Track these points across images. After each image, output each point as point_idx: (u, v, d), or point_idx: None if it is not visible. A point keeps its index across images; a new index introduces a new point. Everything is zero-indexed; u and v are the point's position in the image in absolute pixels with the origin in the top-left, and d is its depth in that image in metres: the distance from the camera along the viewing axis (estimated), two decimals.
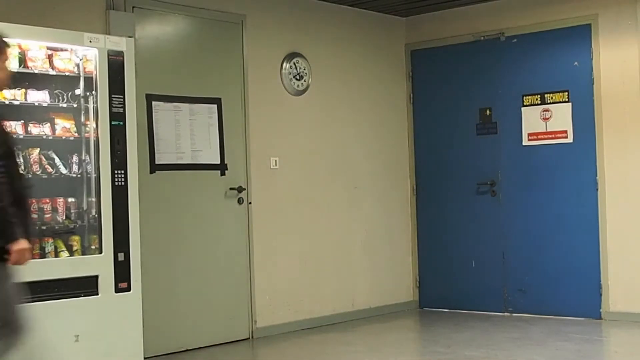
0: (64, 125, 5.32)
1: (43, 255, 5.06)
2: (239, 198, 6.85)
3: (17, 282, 3.95)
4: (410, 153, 8.39)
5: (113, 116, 5.37)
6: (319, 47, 7.62)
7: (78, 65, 5.36)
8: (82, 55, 5.36)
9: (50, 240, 5.12)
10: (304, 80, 7.46)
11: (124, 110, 5.42)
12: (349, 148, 7.85)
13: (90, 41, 5.29)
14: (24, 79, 5.24)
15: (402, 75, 8.39)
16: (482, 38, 7.91)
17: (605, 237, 7.25)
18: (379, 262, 8.04)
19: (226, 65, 6.87)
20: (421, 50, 8.34)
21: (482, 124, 7.95)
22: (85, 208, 5.39)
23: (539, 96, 7.61)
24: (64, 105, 5.33)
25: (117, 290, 5.29)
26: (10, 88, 5.06)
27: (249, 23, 7.01)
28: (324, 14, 7.67)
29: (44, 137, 5.24)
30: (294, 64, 7.38)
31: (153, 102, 6.33)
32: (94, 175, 5.36)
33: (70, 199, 5.35)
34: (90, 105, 5.37)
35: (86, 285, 5.15)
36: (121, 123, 5.40)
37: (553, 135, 7.54)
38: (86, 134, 5.40)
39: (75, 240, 5.26)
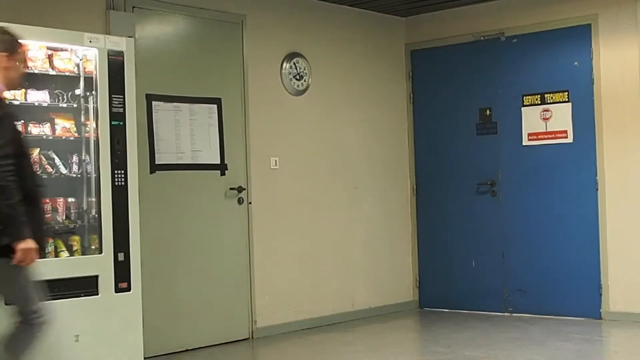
0: (64, 125, 5.32)
1: (43, 255, 5.04)
2: (239, 198, 6.85)
3: (35, 278, 4.02)
4: (410, 153, 8.39)
5: (113, 116, 5.37)
6: (319, 47, 7.62)
7: (78, 65, 5.36)
8: (82, 55, 5.35)
9: (50, 240, 5.12)
10: (304, 80, 7.46)
11: (124, 110, 5.42)
12: (349, 148, 7.85)
13: (90, 41, 5.28)
14: (24, 79, 5.20)
15: (402, 75, 8.39)
16: (482, 38, 7.91)
17: (605, 237, 7.26)
18: (379, 262, 8.04)
19: (226, 65, 6.87)
20: (421, 50, 8.34)
21: (482, 124, 7.95)
22: (85, 208, 5.39)
23: (539, 96, 7.61)
24: (64, 105, 5.33)
25: (117, 290, 5.29)
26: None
27: (249, 23, 7.01)
28: (324, 14, 7.67)
29: (44, 137, 5.24)
30: (294, 64, 7.38)
31: (153, 102, 6.34)
32: (94, 175, 5.35)
33: (70, 199, 5.34)
34: (90, 105, 5.37)
35: (86, 285, 5.14)
36: (121, 123, 5.40)
37: (553, 135, 7.54)
38: (86, 134, 5.40)
39: (75, 240, 5.26)
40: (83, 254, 5.27)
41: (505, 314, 7.78)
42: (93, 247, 5.32)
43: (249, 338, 6.89)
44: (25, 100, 5.19)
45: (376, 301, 7.98)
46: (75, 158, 5.35)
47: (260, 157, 7.05)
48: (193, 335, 6.48)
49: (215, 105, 6.73)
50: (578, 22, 7.40)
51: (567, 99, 7.47)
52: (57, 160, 5.30)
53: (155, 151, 6.33)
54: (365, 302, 7.88)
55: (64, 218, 5.28)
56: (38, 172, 5.13)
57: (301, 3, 7.49)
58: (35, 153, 5.19)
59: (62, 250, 5.16)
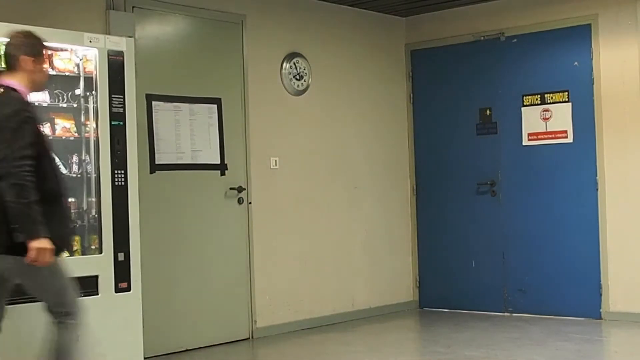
0: (64, 125, 5.32)
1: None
2: (239, 198, 6.85)
3: (67, 277, 4.09)
4: (410, 153, 8.39)
5: (113, 116, 5.37)
6: (319, 47, 7.62)
7: (78, 65, 5.36)
8: (82, 55, 5.35)
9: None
10: (304, 80, 7.46)
11: (124, 110, 5.42)
12: (349, 148, 7.85)
13: (90, 41, 5.28)
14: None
15: (402, 75, 8.39)
16: (482, 38, 7.91)
17: (605, 237, 7.26)
18: (379, 262, 8.04)
19: (226, 65, 6.87)
20: (421, 50, 8.34)
21: (482, 124, 7.95)
22: (85, 208, 5.39)
23: (539, 96, 7.61)
24: (64, 105, 5.33)
25: (117, 290, 5.29)
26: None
27: (249, 23, 7.01)
28: (324, 14, 7.67)
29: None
30: (294, 64, 7.38)
31: (153, 102, 6.34)
32: (94, 175, 5.35)
33: (70, 199, 5.34)
34: (90, 105, 5.37)
35: (86, 285, 5.13)
36: (121, 123, 5.40)
37: (553, 135, 7.54)
38: (86, 134, 5.40)
39: (75, 240, 5.25)
40: (83, 254, 5.27)
41: (505, 314, 7.78)
42: (93, 247, 5.32)
43: (249, 338, 6.89)
44: None
45: (376, 301, 7.98)
46: (75, 158, 5.35)
47: (260, 157, 7.05)
48: (193, 335, 6.48)
49: (215, 105, 6.73)
50: (578, 22, 7.40)
51: (567, 99, 7.47)
52: (57, 160, 5.29)
53: (155, 151, 6.33)
54: (365, 302, 7.88)
55: None
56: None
57: (301, 3, 7.49)
58: None
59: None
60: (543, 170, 7.60)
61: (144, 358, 5.48)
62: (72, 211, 5.24)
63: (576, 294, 7.40)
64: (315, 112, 7.57)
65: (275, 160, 7.19)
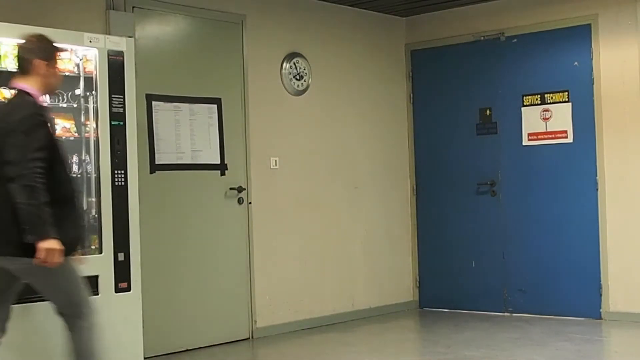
0: (64, 125, 5.31)
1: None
2: (239, 198, 6.85)
3: (80, 280, 4.13)
4: (410, 153, 8.39)
5: (113, 116, 5.36)
6: (319, 47, 7.62)
7: (78, 65, 5.35)
8: (82, 55, 5.35)
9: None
10: (304, 80, 7.46)
11: (124, 110, 5.42)
12: (349, 148, 7.85)
13: (90, 41, 5.28)
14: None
15: (402, 75, 8.39)
16: (482, 38, 7.91)
17: (605, 237, 7.26)
18: (379, 262, 8.04)
19: (226, 65, 6.87)
20: (421, 50, 8.34)
21: (482, 124, 7.95)
22: (85, 208, 5.38)
23: (539, 96, 7.61)
24: (64, 105, 5.33)
25: (117, 290, 5.29)
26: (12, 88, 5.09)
27: (249, 23, 7.01)
28: (324, 14, 7.67)
29: None
30: (294, 64, 7.38)
31: (153, 102, 6.34)
32: (94, 175, 5.35)
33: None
34: (90, 105, 5.37)
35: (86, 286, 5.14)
36: (121, 123, 5.40)
37: (553, 135, 7.54)
38: (86, 134, 5.40)
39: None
40: (83, 254, 5.26)
41: (505, 314, 7.78)
42: (93, 247, 5.31)
43: (249, 338, 6.89)
44: None
45: (376, 301, 7.98)
46: (75, 158, 5.35)
47: (260, 157, 7.05)
48: (193, 335, 6.48)
49: (215, 105, 6.73)
50: (578, 22, 7.40)
51: (567, 99, 7.47)
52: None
53: (155, 151, 6.33)
54: (365, 302, 7.88)
55: None
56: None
57: (301, 3, 7.49)
58: None
59: None
60: (543, 170, 7.60)
61: (144, 358, 5.47)
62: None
63: (576, 294, 7.40)
64: (315, 112, 7.57)
65: (275, 160, 7.19)
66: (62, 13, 5.79)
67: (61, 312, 4.11)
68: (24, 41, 4.28)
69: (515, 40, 7.75)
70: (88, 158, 5.38)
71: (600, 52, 7.28)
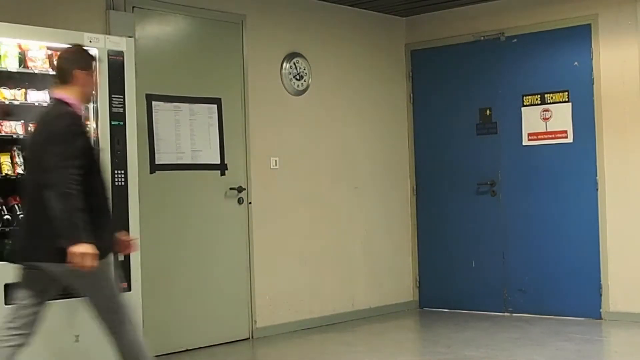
0: None
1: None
2: (239, 198, 6.85)
3: (116, 284, 4.20)
4: (410, 153, 8.39)
5: (113, 116, 5.37)
6: (319, 47, 7.62)
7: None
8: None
9: None
10: (304, 80, 7.46)
11: (124, 110, 5.42)
12: (349, 148, 7.85)
13: (90, 41, 5.28)
14: (24, 79, 5.24)
15: (402, 75, 8.39)
16: (482, 38, 7.91)
17: (605, 237, 7.25)
18: (379, 262, 8.04)
19: (226, 65, 6.87)
20: (421, 50, 8.34)
21: (482, 124, 7.95)
22: None
23: (539, 96, 7.61)
24: None
25: None
26: (12, 88, 5.13)
27: (249, 23, 7.01)
28: (324, 14, 7.67)
29: None
30: (294, 64, 7.38)
31: (153, 102, 6.34)
32: None
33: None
34: (91, 105, 5.37)
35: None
36: (121, 123, 5.40)
37: (553, 135, 7.54)
38: None
39: None
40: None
41: (505, 314, 7.78)
42: None
43: (249, 338, 6.89)
44: (25, 100, 5.20)
45: (376, 301, 7.98)
46: None
47: (260, 157, 7.05)
48: (193, 335, 6.48)
49: (215, 105, 6.73)
50: (578, 22, 7.40)
51: (567, 99, 7.47)
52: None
53: (155, 151, 6.33)
54: (365, 302, 7.88)
55: None
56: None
57: (301, 3, 7.49)
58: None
59: None
60: (543, 170, 7.59)
61: None
62: None
63: (576, 294, 7.40)
64: (315, 112, 7.57)
65: (275, 160, 7.19)
66: (62, 13, 5.79)
67: (102, 318, 4.17)
68: (62, 51, 4.36)
69: (515, 40, 7.75)
70: None
71: (600, 52, 7.28)
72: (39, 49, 5.22)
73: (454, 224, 8.11)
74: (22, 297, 4.13)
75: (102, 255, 4.00)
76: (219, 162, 6.72)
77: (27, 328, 4.10)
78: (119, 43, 5.43)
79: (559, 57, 7.52)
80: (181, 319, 6.41)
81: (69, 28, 5.46)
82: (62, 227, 3.90)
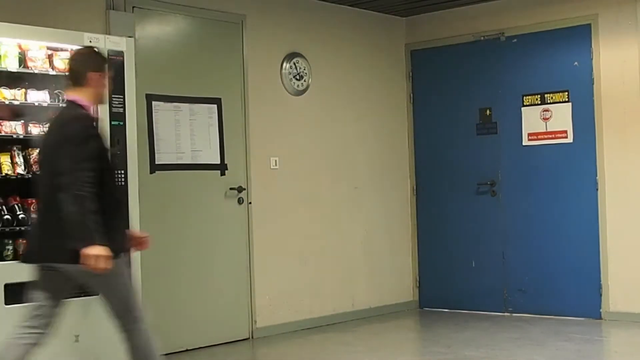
0: None
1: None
2: (239, 198, 6.85)
3: (132, 285, 4.25)
4: (410, 153, 8.39)
5: (113, 116, 5.37)
6: (319, 47, 7.62)
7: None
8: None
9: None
10: (304, 80, 7.46)
11: (124, 110, 5.42)
12: (349, 148, 7.85)
13: (90, 41, 5.28)
14: (24, 79, 5.24)
15: (402, 75, 8.39)
16: (482, 38, 7.91)
17: (605, 237, 7.25)
18: (379, 262, 8.04)
19: (226, 65, 6.87)
20: (421, 50, 8.34)
21: (482, 124, 7.95)
22: None
23: (539, 96, 7.61)
24: (64, 105, 5.32)
25: None
26: (12, 88, 5.13)
27: (249, 23, 7.01)
28: (324, 14, 7.67)
29: None
30: (294, 64, 7.38)
31: (153, 102, 6.34)
32: None
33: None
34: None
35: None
36: (121, 123, 5.40)
37: (553, 135, 7.54)
38: None
39: None
40: None
41: (505, 314, 7.78)
42: None
43: (249, 338, 6.89)
44: (25, 100, 5.20)
45: (376, 301, 7.98)
46: None
47: (260, 157, 7.05)
48: (193, 335, 6.48)
49: (215, 105, 6.73)
50: (578, 22, 7.40)
51: (567, 99, 7.47)
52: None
53: (155, 151, 6.33)
54: (365, 302, 7.88)
55: None
56: (37, 172, 5.14)
57: (301, 3, 7.49)
58: (35, 153, 5.19)
59: None
60: (543, 170, 7.59)
61: None
62: None
63: (576, 294, 7.40)
64: (315, 112, 7.57)
65: (275, 160, 7.19)
66: (62, 13, 5.79)
67: (118, 316, 4.20)
68: (75, 53, 4.37)
69: (515, 40, 7.75)
70: None
71: (600, 52, 7.28)
72: (39, 49, 5.22)
73: (454, 224, 8.11)
74: (39, 297, 4.16)
75: (115, 255, 4.03)
76: (219, 162, 6.72)
77: (43, 327, 4.13)
78: (119, 43, 5.43)
79: (559, 57, 7.52)
80: (181, 319, 6.41)
81: (69, 28, 5.46)
82: (76, 229, 3.93)
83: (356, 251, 7.85)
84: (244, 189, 6.87)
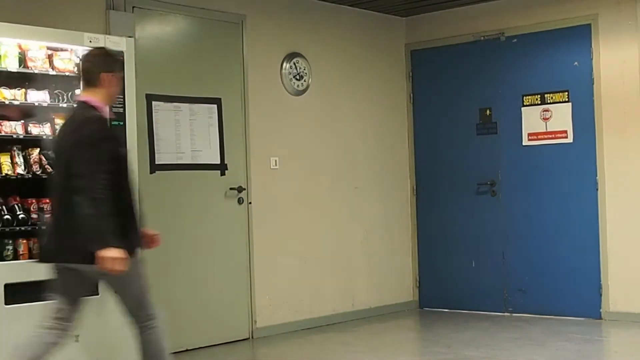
0: None
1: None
2: (239, 198, 6.85)
3: (145, 283, 4.28)
4: (410, 153, 8.39)
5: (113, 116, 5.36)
6: (319, 47, 7.62)
7: (78, 65, 5.35)
8: (82, 55, 5.34)
9: None
10: (304, 80, 7.46)
11: (124, 110, 5.42)
12: (349, 148, 7.85)
13: (90, 41, 5.28)
14: (24, 79, 5.24)
15: (402, 75, 8.39)
16: (482, 38, 7.91)
17: (605, 237, 7.26)
18: (379, 262, 8.04)
19: (226, 65, 6.87)
20: (421, 50, 8.34)
21: (482, 124, 7.95)
22: None
23: (539, 96, 7.61)
24: (64, 105, 5.33)
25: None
26: (12, 88, 5.13)
27: (249, 23, 7.01)
28: (324, 14, 7.67)
29: (44, 137, 5.23)
30: (294, 64, 7.38)
31: (153, 102, 6.34)
32: None
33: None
34: None
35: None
36: (121, 123, 5.40)
37: (553, 135, 7.54)
38: None
39: None
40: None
41: (505, 314, 7.78)
42: None
43: (249, 338, 6.89)
44: (25, 100, 5.20)
45: (376, 301, 7.98)
46: None
47: (260, 157, 7.05)
48: (193, 335, 6.48)
49: (215, 105, 6.73)
50: (578, 22, 7.40)
51: (567, 99, 7.47)
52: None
53: (155, 151, 6.33)
54: (365, 302, 7.88)
55: None
56: (37, 172, 5.16)
57: (301, 3, 7.49)
58: (35, 153, 5.20)
59: None
60: (543, 170, 7.60)
61: None
62: None
63: (576, 294, 7.40)
64: (315, 112, 7.57)
65: (275, 160, 7.19)
66: (62, 13, 5.79)
67: (131, 314, 4.24)
68: (88, 54, 4.38)
69: (515, 40, 7.75)
70: None
71: (600, 52, 7.28)
72: (39, 49, 5.22)
73: (454, 224, 8.11)
74: (57, 296, 4.19)
75: (130, 253, 4.06)
76: (219, 162, 6.72)
77: (62, 327, 4.16)
78: (119, 43, 5.42)
79: (559, 57, 7.53)
80: (181, 319, 6.40)
81: (69, 28, 5.46)
82: (92, 232, 3.95)
83: (356, 251, 7.85)
84: (244, 189, 6.87)
